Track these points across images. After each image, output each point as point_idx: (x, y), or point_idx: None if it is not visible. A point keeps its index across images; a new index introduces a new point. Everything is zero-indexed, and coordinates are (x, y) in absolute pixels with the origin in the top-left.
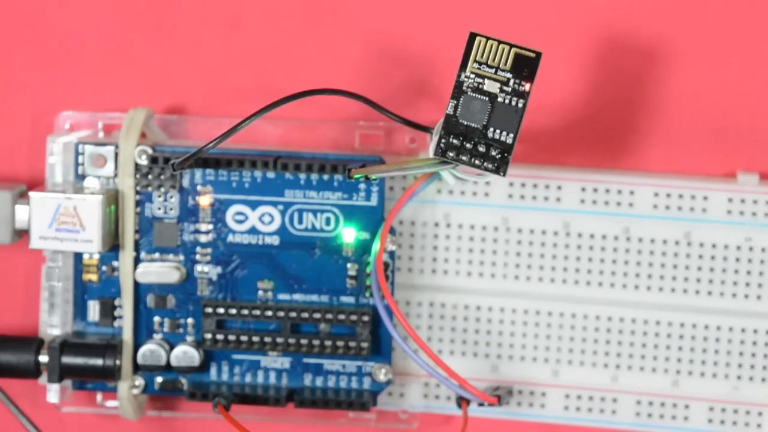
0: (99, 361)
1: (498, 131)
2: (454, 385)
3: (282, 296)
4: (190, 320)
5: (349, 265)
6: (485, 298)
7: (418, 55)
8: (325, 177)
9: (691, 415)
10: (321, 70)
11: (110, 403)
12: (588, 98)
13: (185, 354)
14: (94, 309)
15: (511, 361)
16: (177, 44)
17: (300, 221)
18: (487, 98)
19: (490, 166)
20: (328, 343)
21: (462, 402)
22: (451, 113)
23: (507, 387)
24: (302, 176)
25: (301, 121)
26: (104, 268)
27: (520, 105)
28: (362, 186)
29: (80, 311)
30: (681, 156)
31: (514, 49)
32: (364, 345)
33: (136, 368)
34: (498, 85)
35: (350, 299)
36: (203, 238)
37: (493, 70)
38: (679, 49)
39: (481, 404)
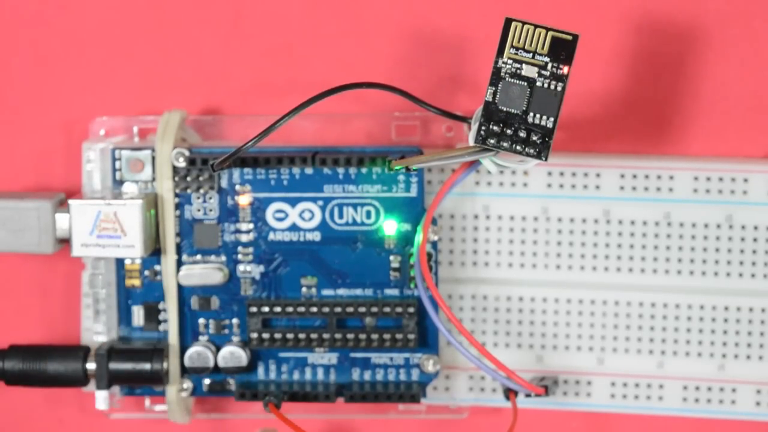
0: (146, 366)
1: (538, 116)
2: (502, 377)
3: (326, 292)
4: (235, 320)
5: (391, 258)
6: (527, 289)
7: (451, 44)
8: (364, 170)
9: (739, 398)
10: (353, 64)
11: (159, 408)
12: (625, 84)
13: (232, 354)
14: (138, 314)
15: (556, 350)
16: (207, 45)
17: (340, 216)
18: (525, 83)
19: (531, 151)
20: (374, 336)
21: (510, 393)
22: (490, 100)
23: (552, 377)
24: (341, 171)
25: (336, 115)
26: (146, 272)
27: (559, 88)
28: (401, 178)
29: (124, 317)
30: (720, 139)
31: (550, 33)
32: (411, 336)
33: (184, 371)
34: (536, 69)
35: (394, 291)
36: (244, 238)
37: (531, 55)
38: (717, 31)
39: (528, 395)
